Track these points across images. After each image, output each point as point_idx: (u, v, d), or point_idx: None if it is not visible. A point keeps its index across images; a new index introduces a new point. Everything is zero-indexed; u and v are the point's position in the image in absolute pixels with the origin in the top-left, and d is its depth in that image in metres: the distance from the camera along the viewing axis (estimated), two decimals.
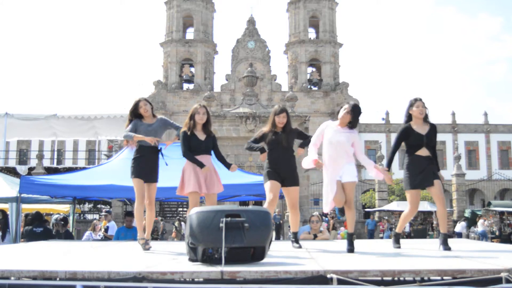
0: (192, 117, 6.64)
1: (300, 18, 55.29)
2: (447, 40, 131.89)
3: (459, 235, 26.08)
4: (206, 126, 6.69)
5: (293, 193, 6.77)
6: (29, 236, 10.37)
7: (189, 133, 6.60)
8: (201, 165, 6.49)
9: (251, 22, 56.10)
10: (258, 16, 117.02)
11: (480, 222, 26.75)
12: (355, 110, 6.39)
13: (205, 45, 54.65)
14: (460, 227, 26.30)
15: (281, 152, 6.69)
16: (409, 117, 6.62)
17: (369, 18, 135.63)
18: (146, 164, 6.71)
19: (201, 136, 6.63)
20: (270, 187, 6.59)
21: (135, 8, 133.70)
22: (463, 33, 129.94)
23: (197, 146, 6.58)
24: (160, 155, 6.87)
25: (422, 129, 6.50)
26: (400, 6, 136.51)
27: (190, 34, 56.63)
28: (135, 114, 6.85)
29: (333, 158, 6.35)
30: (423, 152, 6.47)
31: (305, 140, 6.88)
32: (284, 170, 6.67)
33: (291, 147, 6.81)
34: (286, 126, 6.73)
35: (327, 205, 6.42)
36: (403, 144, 6.67)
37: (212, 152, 6.80)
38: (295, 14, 55.81)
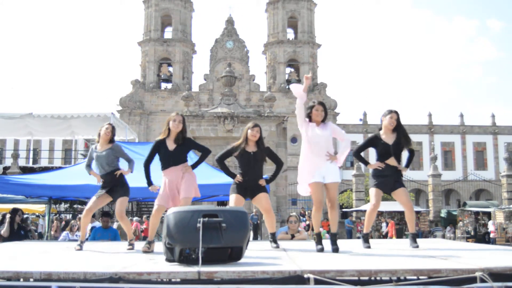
0: (167, 125, 6.62)
1: (278, 19, 55.44)
2: (424, 42, 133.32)
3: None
4: (179, 134, 6.60)
5: (263, 200, 6.82)
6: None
7: (161, 139, 6.62)
8: (149, 183, 6.72)
9: (230, 22, 56.12)
10: (237, 16, 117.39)
11: None
12: (325, 107, 6.44)
13: (183, 45, 54.51)
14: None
15: (251, 165, 6.72)
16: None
17: (348, 19, 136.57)
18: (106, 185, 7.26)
19: (171, 145, 6.57)
20: (233, 201, 6.71)
21: (113, 6, 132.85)
22: (440, 36, 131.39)
23: (165, 158, 6.58)
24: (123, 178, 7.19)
25: (390, 139, 6.67)
26: (378, 8, 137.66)
27: (168, 33, 56.48)
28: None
29: (314, 154, 6.30)
30: (392, 161, 6.67)
31: (274, 174, 6.99)
32: (252, 182, 6.73)
33: (260, 162, 6.84)
34: (259, 141, 6.77)
35: (303, 189, 6.45)
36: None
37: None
38: (273, 15, 55.95)
